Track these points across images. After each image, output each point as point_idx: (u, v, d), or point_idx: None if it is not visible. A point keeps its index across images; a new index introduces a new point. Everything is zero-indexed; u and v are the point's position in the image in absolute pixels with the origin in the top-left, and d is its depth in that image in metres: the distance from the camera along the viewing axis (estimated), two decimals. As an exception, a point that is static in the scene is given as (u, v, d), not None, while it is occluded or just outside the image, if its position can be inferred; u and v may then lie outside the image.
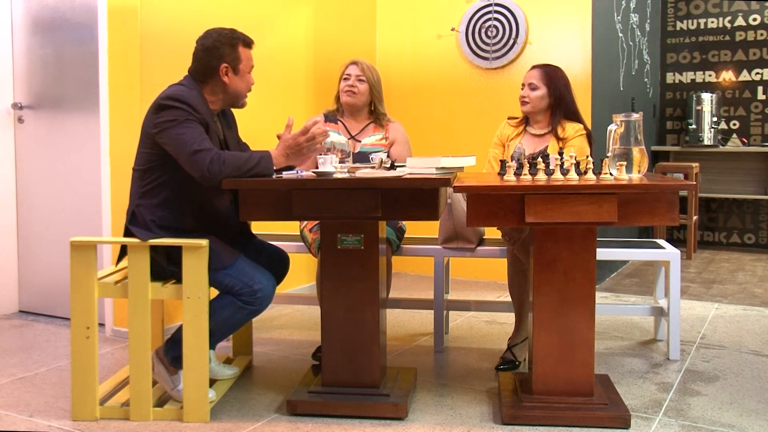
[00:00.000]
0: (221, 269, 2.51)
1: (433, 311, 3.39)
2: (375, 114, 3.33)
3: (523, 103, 3.08)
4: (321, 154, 2.54)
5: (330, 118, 3.34)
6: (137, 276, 2.47)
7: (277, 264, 2.82)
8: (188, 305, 2.45)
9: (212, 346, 2.69)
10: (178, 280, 2.52)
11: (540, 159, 2.56)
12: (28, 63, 3.98)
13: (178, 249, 2.47)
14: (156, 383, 2.68)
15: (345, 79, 3.27)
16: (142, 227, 2.52)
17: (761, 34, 6.30)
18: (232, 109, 2.83)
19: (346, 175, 2.44)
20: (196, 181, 2.47)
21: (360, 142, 3.28)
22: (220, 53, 2.58)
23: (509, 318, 3.74)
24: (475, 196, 2.35)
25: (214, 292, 2.58)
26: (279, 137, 2.57)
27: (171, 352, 2.57)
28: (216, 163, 2.40)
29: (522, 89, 3.09)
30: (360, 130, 3.32)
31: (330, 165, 2.49)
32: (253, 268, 2.57)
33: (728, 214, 6.52)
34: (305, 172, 2.57)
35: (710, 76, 6.54)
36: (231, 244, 2.63)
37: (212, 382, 2.73)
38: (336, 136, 3.23)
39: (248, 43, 2.66)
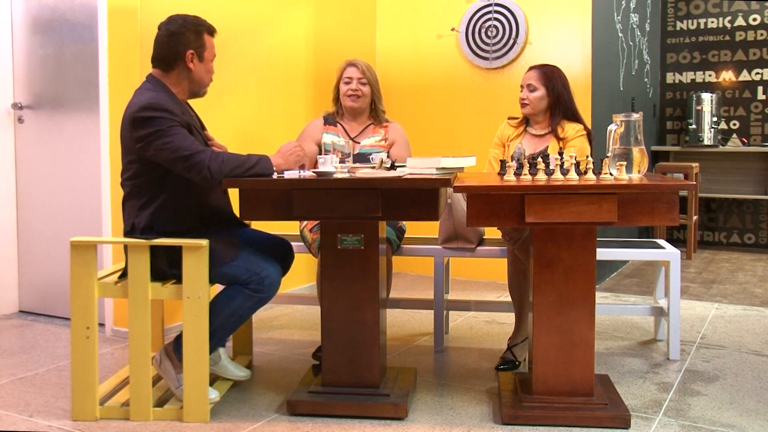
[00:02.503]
0: (227, 263, 2.51)
1: (433, 311, 3.39)
2: (375, 113, 3.33)
3: (523, 105, 3.08)
4: (321, 154, 2.55)
5: (329, 120, 3.33)
6: (137, 276, 2.47)
7: (280, 252, 2.80)
8: (188, 305, 2.45)
9: (222, 340, 2.68)
10: (178, 280, 2.52)
11: (540, 159, 2.56)
12: (28, 63, 3.98)
13: (179, 252, 2.47)
14: (156, 383, 2.68)
15: (346, 82, 3.25)
16: (143, 235, 2.52)
17: (761, 34, 6.31)
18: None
19: (347, 175, 2.44)
20: (188, 182, 2.47)
21: (359, 143, 3.28)
22: (186, 39, 2.57)
23: (509, 318, 3.74)
24: (475, 196, 2.35)
25: (213, 292, 2.58)
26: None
27: (181, 349, 2.56)
28: (215, 162, 2.39)
29: (521, 91, 3.09)
30: (360, 131, 3.32)
31: (330, 165, 2.49)
32: (257, 256, 2.57)
33: (728, 214, 6.52)
34: (306, 172, 2.57)
35: (710, 76, 6.54)
36: (231, 236, 2.63)
37: (213, 380, 2.72)
38: (335, 138, 3.22)
39: (212, 32, 2.65)
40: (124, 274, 2.56)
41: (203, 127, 2.77)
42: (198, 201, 2.60)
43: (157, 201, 2.54)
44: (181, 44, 2.56)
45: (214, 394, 2.58)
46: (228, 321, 2.57)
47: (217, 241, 2.51)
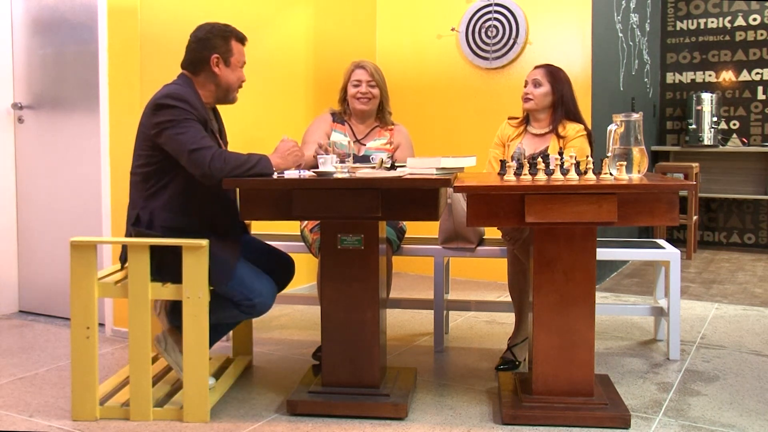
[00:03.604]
0: (220, 283, 2.51)
1: (433, 311, 3.39)
2: (382, 114, 3.32)
3: (526, 99, 3.06)
4: (321, 154, 2.55)
5: (337, 119, 3.33)
6: (137, 276, 2.47)
7: (281, 269, 2.81)
8: (188, 305, 2.45)
9: (215, 340, 2.72)
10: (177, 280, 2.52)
11: (540, 159, 2.56)
12: (28, 63, 3.98)
13: (171, 256, 2.46)
14: (156, 383, 2.68)
15: (355, 85, 3.23)
16: (146, 230, 2.52)
17: (761, 34, 6.30)
18: (225, 108, 2.82)
19: (347, 175, 2.44)
20: (198, 181, 2.47)
21: (365, 145, 3.28)
22: (212, 44, 2.60)
23: (509, 318, 3.74)
24: (475, 196, 2.35)
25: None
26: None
27: (173, 317, 2.62)
28: (217, 160, 2.40)
29: (525, 86, 3.08)
30: (366, 133, 3.32)
31: (330, 165, 2.49)
32: (252, 276, 2.57)
33: (728, 214, 6.52)
34: (306, 172, 2.57)
35: (710, 76, 6.54)
36: (234, 242, 2.63)
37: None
38: (338, 136, 3.22)
39: (241, 38, 2.68)
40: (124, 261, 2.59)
41: (223, 136, 2.78)
42: (206, 201, 2.60)
43: (165, 193, 2.55)
44: (207, 49, 2.61)
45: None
46: (220, 325, 2.63)
47: (216, 255, 2.49)
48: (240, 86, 2.71)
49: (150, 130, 2.51)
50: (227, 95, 2.68)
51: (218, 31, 2.63)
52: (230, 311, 2.57)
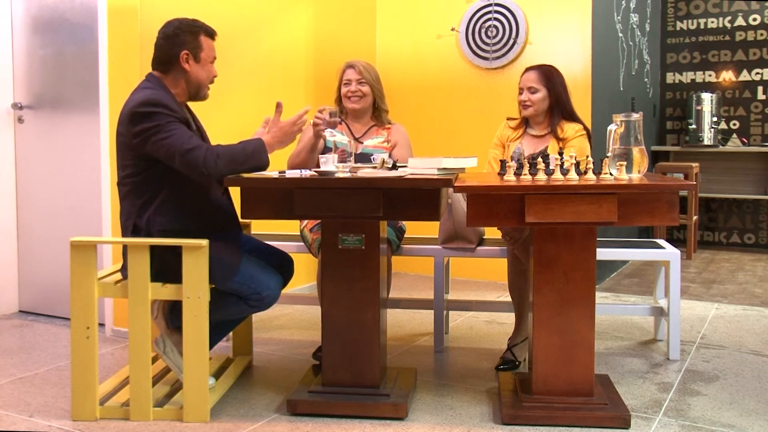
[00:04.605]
0: (228, 280, 2.51)
1: (433, 311, 3.38)
2: (377, 112, 3.32)
3: (525, 107, 3.05)
4: (322, 154, 2.55)
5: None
6: (137, 276, 2.47)
7: (280, 267, 2.81)
8: (188, 305, 2.45)
9: (216, 341, 2.72)
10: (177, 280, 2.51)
11: (540, 159, 2.56)
12: (28, 63, 3.98)
13: (173, 258, 2.46)
14: (156, 383, 2.68)
15: (345, 84, 3.25)
16: (145, 236, 2.52)
17: (761, 34, 6.31)
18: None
19: (348, 175, 2.44)
20: (188, 181, 2.47)
21: (362, 144, 3.28)
22: (180, 40, 2.57)
23: (509, 318, 3.74)
24: (476, 196, 2.35)
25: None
26: (267, 122, 2.62)
27: (173, 317, 2.61)
28: (210, 157, 2.39)
29: (521, 94, 3.06)
30: (363, 132, 3.32)
31: (332, 164, 2.49)
32: (259, 270, 2.58)
33: (728, 214, 6.52)
34: (308, 172, 2.57)
35: (710, 76, 6.54)
36: (235, 238, 2.63)
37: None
38: (338, 136, 3.22)
39: (210, 33, 2.65)
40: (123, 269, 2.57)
41: (202, 132, 2.77)
42: (200, 198, 2.60)
43: (158, 199, 2.53)
44: (176, 45, 2.57)
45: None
46: (221, 324, 2.63)
47: (220, 253, 2.49)
48: (211, 82, 2.67)
49: (132, 139, 2.47)
50: (198, 92, 2.64)
51: (186, 27, 2.59)
52: (237, 307, 2.57)
